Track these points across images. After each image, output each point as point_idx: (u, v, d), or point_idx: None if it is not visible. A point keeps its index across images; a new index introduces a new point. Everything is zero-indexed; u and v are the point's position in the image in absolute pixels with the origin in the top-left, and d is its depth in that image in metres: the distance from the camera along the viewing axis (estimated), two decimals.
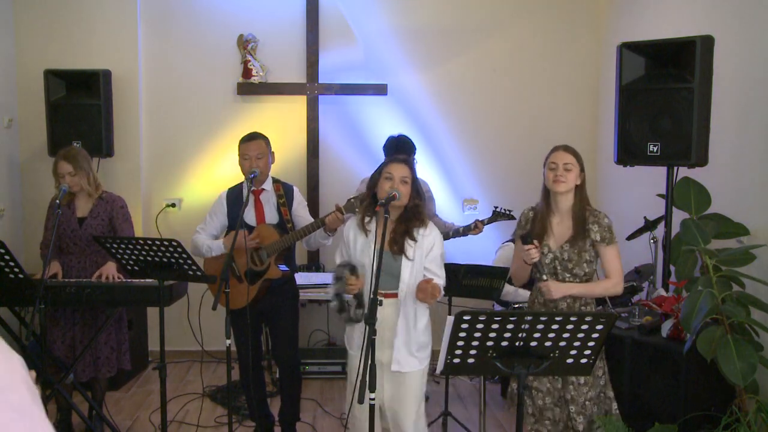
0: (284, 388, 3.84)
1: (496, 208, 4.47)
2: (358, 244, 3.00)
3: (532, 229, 3.04)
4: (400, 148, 4.31)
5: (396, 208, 2.96)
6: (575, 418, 2.98)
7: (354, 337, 3.06)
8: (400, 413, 3.00)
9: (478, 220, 4.38)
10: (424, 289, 2.82)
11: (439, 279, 2.99)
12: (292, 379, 3.81)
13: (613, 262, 2.99)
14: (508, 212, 4.47)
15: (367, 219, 3.00)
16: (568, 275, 2.99)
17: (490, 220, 4.46)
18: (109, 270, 3.66)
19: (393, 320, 2.96)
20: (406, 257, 2.93)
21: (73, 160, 3.73)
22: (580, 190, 3.01)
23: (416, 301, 2.93)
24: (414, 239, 2.94)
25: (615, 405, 3.04)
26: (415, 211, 2.98)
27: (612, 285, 3.00)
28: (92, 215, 3.80)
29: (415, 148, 4.41)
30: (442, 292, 3.00)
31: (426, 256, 2.98)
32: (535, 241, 2.93)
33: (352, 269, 2.92)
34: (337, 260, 3.10)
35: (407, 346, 2.96)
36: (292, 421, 3.86)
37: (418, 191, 3.00)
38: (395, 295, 2.96)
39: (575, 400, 2.99)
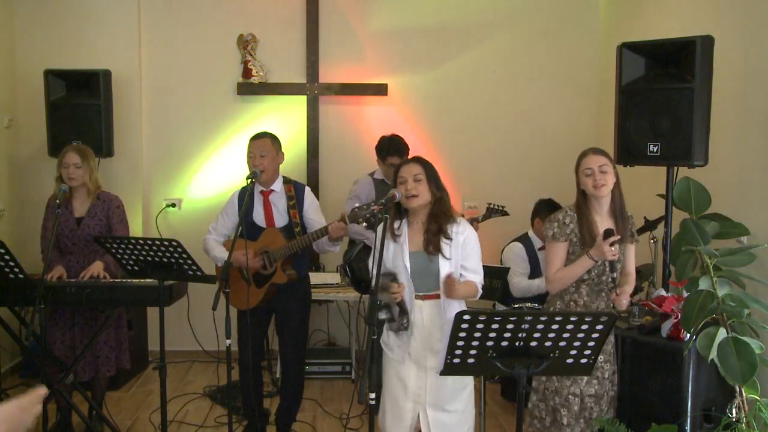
0: (286, 390, 3.82)
1: (489, 204, 4.49)
2: (389, 250, 2.90)
3: (582, 235, 3.01)
4: (393, 149, 4.28)
5: (422, 207, 2.90)
6: (592, 407, 3.01)
7: (390, 341, 2.94)
8: (451, 420, 2.89)
9: (472, 218, 4.38)
10: (450, 287, 2.79)
11: (476, 276, 2.92)
12: (296, 381, 3.80)
13: (634, 260, 3.15)
14: (500, 208, 4.49)
15: (396, 225, 2.92)
16: (615, 274, 2.97)
17: (485, 217, 4.48)
18: (96, 269, 3.66)
19: (437, 322, 2.86)
20: (443, 256, 2.85)
21: (81, 153, 3.76)
22: (616, 188, 3.04)
23: (452, 300, 2.86)
24: (449, 237, 2.86)
25: (615, 387, 3.10)
26: (442, 204, 2.91)
27: (635, 280, 3.16)
28: (90, 215, 3.80)
29: (408, 149, 4.36)
30: (480, 291, 2.94)
31: (461, 253, 2.90)
32: (615, 236, 2.89)
33: (394, 278, 2.85)
34: (369, 262, 2.98)
35: None
36: (289, 422, 3.86)
37: (438, 184, 2.94)
38: (436, 296, 2.87)
39: (596, 394, 3.03)
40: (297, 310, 3.72)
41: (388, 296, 2.80)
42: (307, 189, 3.75)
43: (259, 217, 3.65)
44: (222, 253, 3.60)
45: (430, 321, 2.87)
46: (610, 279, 3.00)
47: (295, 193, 3.67)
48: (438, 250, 2.84)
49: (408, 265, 2.85)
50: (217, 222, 3.74)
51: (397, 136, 4.42)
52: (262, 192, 3.65)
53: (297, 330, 3.73)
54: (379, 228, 2.77)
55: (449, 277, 2.82)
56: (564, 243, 3.05)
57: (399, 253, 2.88)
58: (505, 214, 4.57)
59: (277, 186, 3.69)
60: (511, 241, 4.53)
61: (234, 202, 3.71)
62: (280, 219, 3.65)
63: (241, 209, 3.51)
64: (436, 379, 2.85)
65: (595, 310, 3.02)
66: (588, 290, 3.05)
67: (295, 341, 3.73)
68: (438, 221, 2.87)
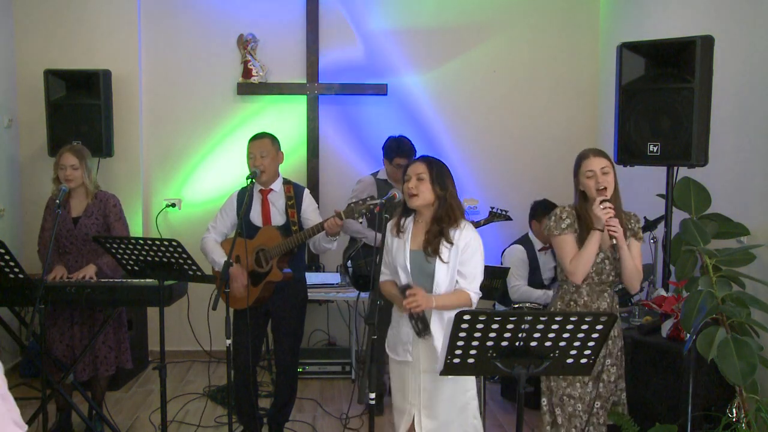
0: (281, 390, 3.81)
1: (492, 208, 4.49)
2: (393, 245, 2.91)
3: (581, 233, 2.98)
4: (401, 150, 4.28)
5: (426, 207, 2.87)
6: (598, 412, 3.00)
7: (402, 340, 2.90)
8: (441, 420, 2.88)
9: (474, 222, 4.38)
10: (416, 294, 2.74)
11: (471, 283, 2.86)
12: (290, 382, 3.79)
13: (640, 256, 3.04)
14: (504, 212, 4.48)
15: (402, 221, 2.91)
16: (613, 274, 2.99)
17: (487, 221, 4.48)
18: (88, 272, 3.65)
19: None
20: (441, 260, 2.81)
21: (78, 154, 3.76)
22: (616, 188, 3.00)
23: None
24: (450, 241, 2.81)
25: (624, 395, 3.08)
26: (446, 206, 2.84)
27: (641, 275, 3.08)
28: (86, 214, 3.79)
29: (415, 151, 4.34)
30: (474, 303, 2.87)
31: (459, 258, 2.84)
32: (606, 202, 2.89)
33: (403, 290, 2.79)
34: (382, 266, 2.95)
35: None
36: (282, 422, 3.85)
37: (443, 185, 2.85)
38: None
39: (601, 395, 3.01)
40: (293, 312, 3.71)
41: (399, 310, 2.81)
42: (306, 191, 3.76)
43: (256, 215, 3.64)
44: (220, 258, 3.55)
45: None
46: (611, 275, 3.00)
47: (294, 193, 3.68)
48: (436, 252, 2.81)
49: (408, 264, 2.85)
50: (216, 221, 3.73)
51: (405, 137, 4.40)
52: (261, 191, 3.65)
53: (292, 331, 3.72)
54: (385, 228, 2.77)
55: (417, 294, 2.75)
56: (569, 234, 2.98)
57: (401, 250, 2.89)
58: (508, 218, 4.56)
59: (277, 186, 3.69)
60: (512, 243, 4.53)
61: (233, 202, 3.71)
62: (278, 218, 3.65)
63: (240, 209, 3.51)
64: (429, 382, 2.85)
65: (595, 310, 3.02)
66: (588, 290, 3.03)
67: (290, 343, 3.72)
68: (440, 223, 2.83)
